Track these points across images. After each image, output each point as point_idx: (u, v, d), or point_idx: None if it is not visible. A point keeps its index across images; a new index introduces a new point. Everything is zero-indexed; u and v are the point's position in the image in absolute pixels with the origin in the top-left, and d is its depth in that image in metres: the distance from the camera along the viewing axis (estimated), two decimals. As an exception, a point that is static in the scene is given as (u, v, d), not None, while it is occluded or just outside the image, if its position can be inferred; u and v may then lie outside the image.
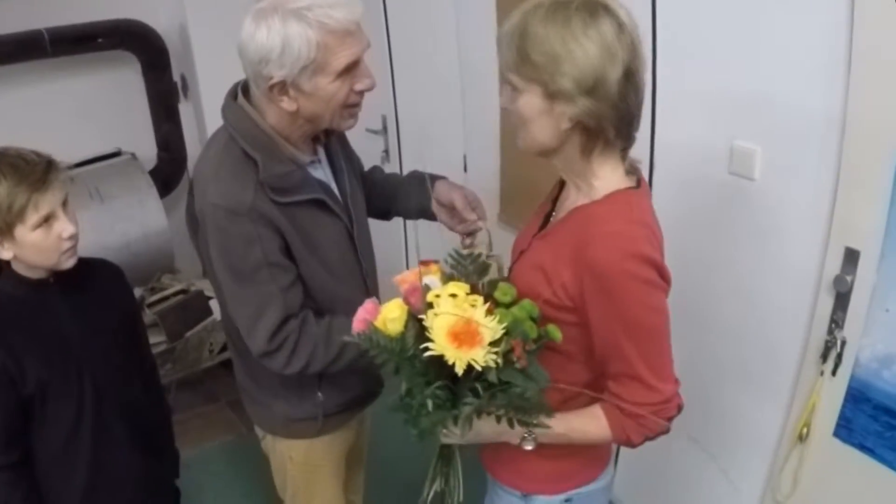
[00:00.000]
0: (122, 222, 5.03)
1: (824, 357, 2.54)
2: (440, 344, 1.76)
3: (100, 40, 5.17)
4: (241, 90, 2.38)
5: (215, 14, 5.31)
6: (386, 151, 4.97)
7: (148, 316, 4.86)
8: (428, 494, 2.20)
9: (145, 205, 5.15)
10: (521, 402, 1.85)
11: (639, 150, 2.82)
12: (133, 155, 5.41)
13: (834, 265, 2.46)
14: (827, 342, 2.53)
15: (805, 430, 2.64)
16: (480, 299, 1.86)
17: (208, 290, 5.19)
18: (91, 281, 2.62)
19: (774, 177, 2.57)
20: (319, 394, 2.63)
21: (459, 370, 1.75)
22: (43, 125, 4.74)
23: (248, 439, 4.79)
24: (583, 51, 1.77)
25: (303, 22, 2.08)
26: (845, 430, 2.54)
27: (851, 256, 2.41)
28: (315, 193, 2.37)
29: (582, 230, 1.90)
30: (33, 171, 2.33)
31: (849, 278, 2.42)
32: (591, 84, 1.78)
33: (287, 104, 2.23)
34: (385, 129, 4.94)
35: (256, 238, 2.25)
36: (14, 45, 4.84)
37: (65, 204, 2.42)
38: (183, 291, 5.11)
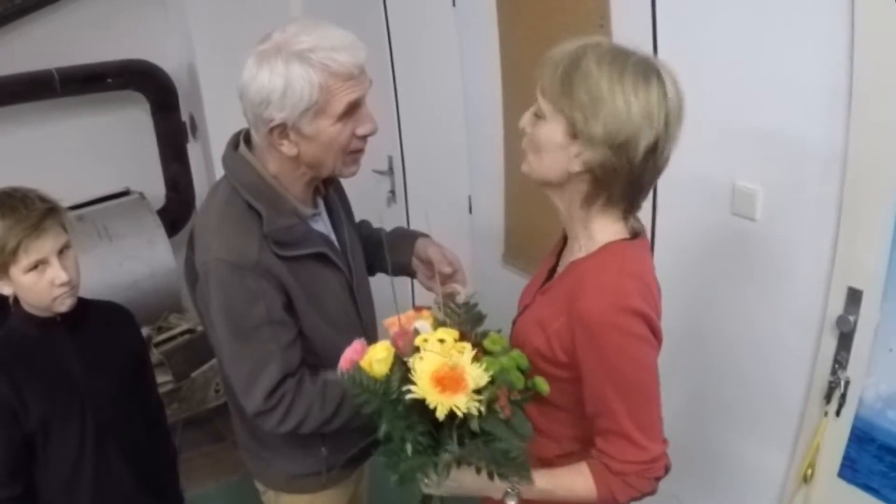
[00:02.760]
0: (129, 261, 5.03)
1: (828, 397, 2.52)
2: (423, 387, 1.75)
3: (109, 80, 5.20)
4: (243, 139, 2.36)
5: (224, 54, 5.32)
6: (392, 192, 4.97)
7: (154, 355, 4.87)
8: None
9: (153, 244, 5.15)
10: (502, 459, 1.82)
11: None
12: (141, 194, 5.43)
13: (837, 305, 2.45)
14: (830, 382, 2.51)
15: (809, 471, 2.62)
16: (468, 346, 1.85)
17: (215, 330, 5.20)
18: (99, 322, 2.65)
19: (776, 217, 2.57)
20: (323, 449, 2.60)
21: (441, 415, 1.74)
22: (52, 164, 4.79)
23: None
24: (627, 105, 1.77)
25: (306, 64, 2.08)
26: (850, 470, 2.52)
27: (854, 296, 2.39)
28: (318, 247, 2.35)
29: (575, 283, 1.91)
30: (29, 216, 2.37)
31: (852, 318, 2.40)
32: (622, 140, 1.78)
33: (287, 148, 2.21)
34: (391, 169, 4.94)
35: (261, 294, 2.22)
36: (24, 84, 4.87)
37: (64, 250, 2.46)
38: (189, 331, 5.11)
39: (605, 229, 1.95)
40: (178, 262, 5.21)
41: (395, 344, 1.91)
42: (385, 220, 2.96)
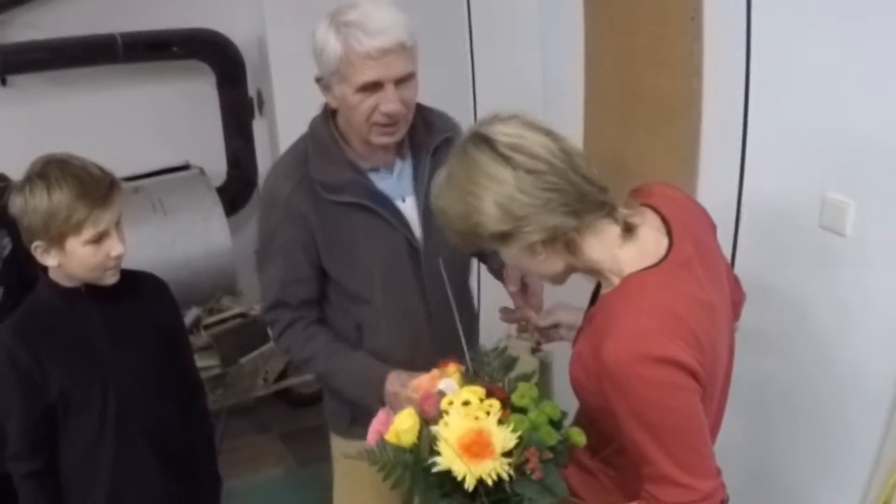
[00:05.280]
0: (184, 238, 5.06)
1: (910, 435, 2.46)
2: (448, 456, 1.76)
3: (174, 49, 5.22)
4: None
5: (296, 30, 5.28)
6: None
7: (202, 337, 4.88)
8: None
9: (210, 222, 5.18)
10: None
11: (726, 198, 2.81)
12: (201, 170, 5.45)
13: (927, 336, 2.38)
14: (914, 419, 2.44)
15: (885, 513, 2.56)
16: (497, 404, 1.85)
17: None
18: (129, 293, 2.66)
19: (868, 234, 2.50)
20: None
21: (469, 485, 1.74)
22: (110, 132, 4.83)
23: (298, 474, 4.79)
24: (476, 198, 1.87)
25: (338, 34, 2.37)
26: (929, 512, 2.45)
27: (947, 327, 2.33)
28: (359, 198, 2.56)
29: (603, 324, 1.89)
30: (97, 186, 2.42)
31: (942, 351, 2.34)
32: (507, 215, 1.86)
33: (330, 100, 2.54)
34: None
35: (280, 229, 2.60)
36: (86, 47, 4.92)
37: (117, 223, 2.49)
38: (242, 315, 5.11)
39: (604, 255, 1.96)
40: (235, 243, 5.23)
41: (421, 409, 1.93)
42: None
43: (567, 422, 1.96)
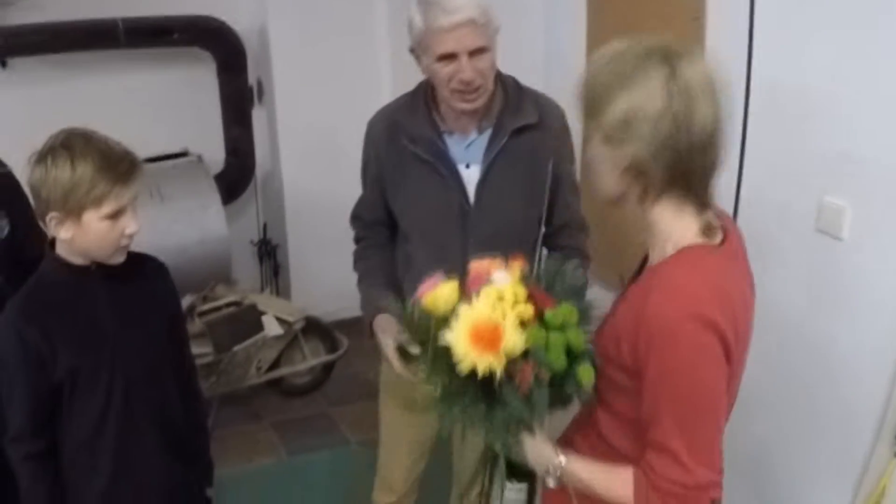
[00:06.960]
0: (180, 225, 5.07)
1: (900, 438, 2.47)
2: (457, 335, 1.80)
3: (175, 35, 5.23)
4: None
5: (297, 19, 5.34)
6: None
7: (196, 325, 4.88)
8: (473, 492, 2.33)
9: (206, 210, 5.20)
10: (494, 423, 1.89)
11: (723, 202, 2.80)
12: (199, 157, 5.47)
13: (920, 338, 2.38)
14: (904, 422, 2.45)
15: (874, 514, 2.56)
16: (530, 310, 1.85)
17: (262, 305, 5.19)
18: (134, 274, 2.63)
19: (864, 238, 2.51)
20: None
21: (463, 370, 1.79)
22: (109, 117, 4.70)
23: (288, 464, 4.78)
24: (617, 90, 1.82)
25: (422, 12, 2.68)
26: (917, 517, 2.46)
27: (941, 330, 2.34)
28: (424, 152, 2.87)
29: (649, 285, 1.88)
30: (121, 161, 2.40)
31: (935, 354, 2.35)
32: (625, 127, 1.82)
33: (421, 69, 2.83)
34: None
35: (369, 160, 3.05)
36: (87, 32, 4.94)
37: (133, 201, 2.48)
38: (236, 303, 5.11)
39: (671, 228, 1.92)
40: (232, 231, 5.23)
41: (468, 287, 1.94)
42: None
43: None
